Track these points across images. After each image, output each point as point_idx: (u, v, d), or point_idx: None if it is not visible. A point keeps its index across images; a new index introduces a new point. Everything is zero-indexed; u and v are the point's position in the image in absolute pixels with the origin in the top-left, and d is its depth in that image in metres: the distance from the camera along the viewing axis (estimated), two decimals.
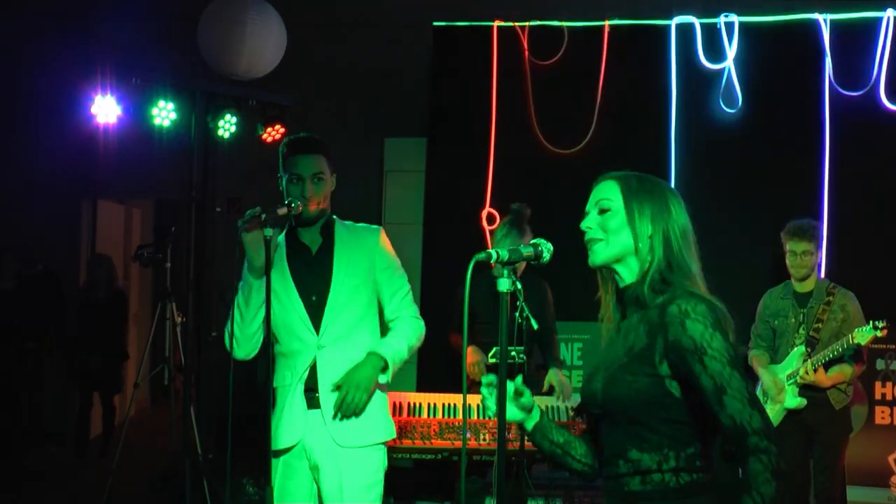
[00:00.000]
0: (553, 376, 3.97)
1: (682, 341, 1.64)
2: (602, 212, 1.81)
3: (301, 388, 2.72)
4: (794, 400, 4.00)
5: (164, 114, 4.63)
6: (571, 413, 3.81)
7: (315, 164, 2.76)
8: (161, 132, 4.75)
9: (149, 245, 5.37)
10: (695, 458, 1.69)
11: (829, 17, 4.89)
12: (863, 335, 3.76)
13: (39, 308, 6.34)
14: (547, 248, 1.82)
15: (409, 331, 2.80)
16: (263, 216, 2.86)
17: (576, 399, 3.89)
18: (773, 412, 4.12)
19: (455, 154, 5.28)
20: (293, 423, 2.71)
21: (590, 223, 1.81)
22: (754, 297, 4.44)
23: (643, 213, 1.78)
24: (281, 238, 2.87)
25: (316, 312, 2.73)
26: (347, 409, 2.63)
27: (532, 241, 1.85)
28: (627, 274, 1.81)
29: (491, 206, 5.15)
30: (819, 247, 4.11)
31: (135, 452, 5.81)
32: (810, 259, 4.05)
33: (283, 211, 2.90)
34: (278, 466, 2.73)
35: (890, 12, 4.84)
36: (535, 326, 3.14)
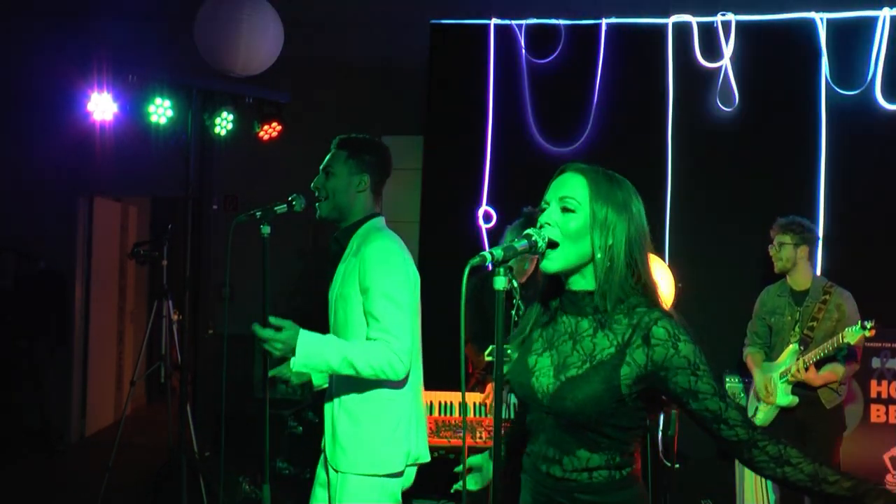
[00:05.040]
0: None
1: (674, 360, 1.68)
2: (565, 210, 1.73)
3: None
4: (785, 398, 4.01)
5: (160, 111, 4.62)
6: None
7: (331, 156, 2.75)
8: (158, 129, 4.74)
9: (145, 242, 5.37)
10: (634, 452, 1.78)
11: (826, 16, 4.90)
12: (852, 335, 3.77)
13: (40, 306, 6.34)
14: (541, 237, 1.75)
15: (365, 350, 2.46)
16: (259, 213, 2.87)
17: None
18: (765, 410, 4.13)
19: (452, 152, 5.28)
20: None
21: (549, 219, 1.74)
22: (749, 294, 4.45)
23: (607, 220, 1.71)
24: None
25: (325, 330, 2.68)
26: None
27: (525, 233, 1.75)
28: (581, 282, 1.77)
29: (487, 203, 5.15)
30: (805, 242, 4.07)
31: (131, 450, 5.82)
32: (786, 251, 4.07)
33: (281, 208, 2.90)
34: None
35: (886, 12, 4.85)
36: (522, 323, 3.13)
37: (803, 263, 4.10)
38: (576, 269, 1.76)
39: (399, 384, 2.60)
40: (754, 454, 1.69)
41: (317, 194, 2.73)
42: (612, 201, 1.73)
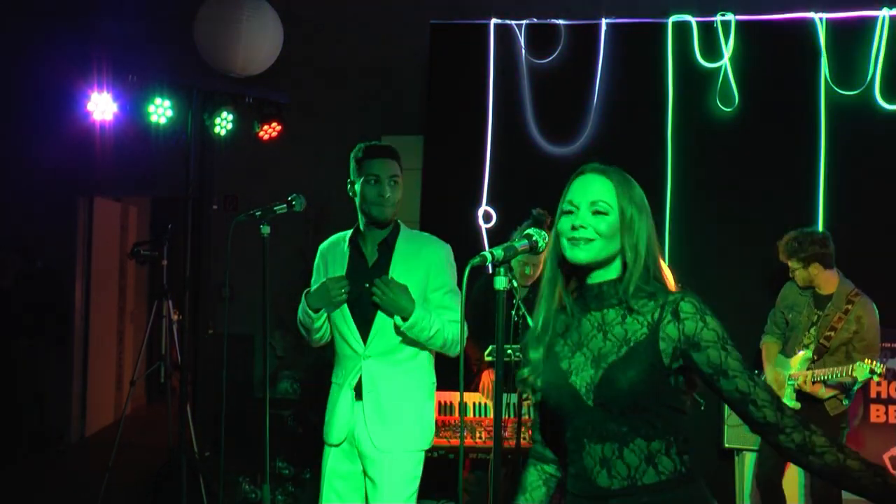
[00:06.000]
0: None
1: (704, 334, 1.71)
2: (596, 213, 1.77)
3: (351, 392, 2.83)
4: (789, 402, 4.01)
5: (160, 111, 4.62)
6: None
7: (393, 167, 2.83)
8: (157, 130, 4.74)
9: (145, 242, 5.37)
10: (689, 442, 1.77)
11: (826, 16, 4.89)
12: (862, 371, 3.77)
13: (37, 306, 6.34)
14: (541, 237, 1.78)
15: (448, 327, 2.79)
16: (259, 213, 2.91)
17: None
18: None
19: (452, 152, 5.28)
20: (341, 422, 2.84)
21: (583, 222, 1.76)
22: (749, 294, 4.45)
23: (633, 221, 1.77)
24: (346, 243, 2.92)
25: (364, 324, 2.81)
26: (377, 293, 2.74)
27: (525, 233, 1.80)
28: (603, 274, 1.80)
29: (487, 203, 5.15)
30: (815, 259, 4.00)
31: (131, 450, 5.82)
32: (800, 275, 4.05)
33: (281, 208, 2.94)
34: (330, 453, 2.88)
35: (886, 12, 4.85)
36: (532, 324, 3.14)
37: (820, 274, 4.04)
38: (603, 264, 1.79)
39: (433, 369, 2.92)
40: (780, 440, 1.69)
41: (386, 205, 2.82)
42: (634, 201, 1.79)
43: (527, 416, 3.74)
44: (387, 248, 2.86)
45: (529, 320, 3.00)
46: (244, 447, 4.93)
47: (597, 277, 1.80)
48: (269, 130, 5.01)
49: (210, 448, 5.19)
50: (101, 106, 4.82)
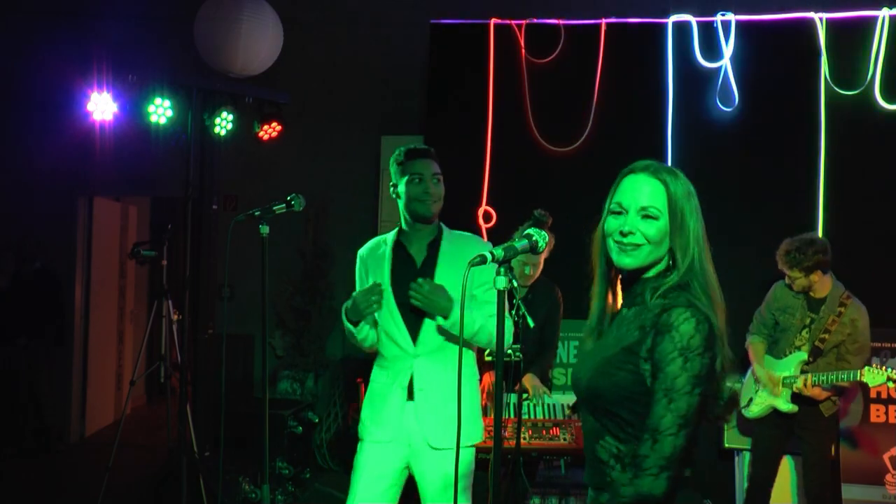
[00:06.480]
0: (529, 380, 3.95)
1: (657, 349, 1.66)
2: (646, 217, 1.73)
3: (402, 391, 2.86)
4: (786, 405, 4.01)
5: (160, 111, 4.62)
6: (568, 411, 3.82)
7: (434, 166, 2.93)
8: (157, 129, 4.74)
9: (145, 242, 5.37)
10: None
11: (826, 16, 4.90)
12: (873, 378, 3.76)
13: (36, 305, 6.34)
14: (541, 237, 1.79)
15: (491, 322, 2.79)
16: (258, 213, 2.93)
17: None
18: (761, 405, 4.12)
19: (451, 152, 5.26)
20: (390, 421, 2.86)
21: (632, 227, 1.73)
22: (748, 293, 4.44)
23: (683, 226, 1.73)
24: (389, 245, 2.97)
25: (414, 323, 2.85)
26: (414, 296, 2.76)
27: (526, 233, 1.81)
28: (644, 273, 1.79)
29: (487, 203, 5.15)
30: (816, 267, 3.93)
31: (131, 450, 5.82)
32: (800, 283, 4.00)
33: (280, 208, 2.96)
34: (369, 451, 2.89)
35: (886, 12, 4.85)
36: (532, 324, 3.15)
37: (820, 280, 4.01)
38: (649, 266, 1.77)
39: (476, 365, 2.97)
40: (619, 469, 1.69)
41: (431, 201, 2.90)
42: (685, 201, 1.75)
43: (527, 417, 3.74)
44: (433, 249, 2.93)
45: (529, 320, 3.03)
46: (244, 447, 4.93)
47: (638, 275, 1.79)
48: (269, 130, 5.01)
49: (210, 448, 5.19)
50: (101, 106, 4.82)
